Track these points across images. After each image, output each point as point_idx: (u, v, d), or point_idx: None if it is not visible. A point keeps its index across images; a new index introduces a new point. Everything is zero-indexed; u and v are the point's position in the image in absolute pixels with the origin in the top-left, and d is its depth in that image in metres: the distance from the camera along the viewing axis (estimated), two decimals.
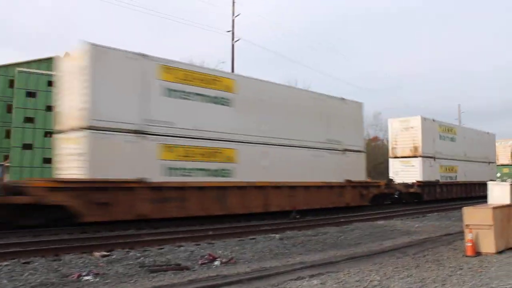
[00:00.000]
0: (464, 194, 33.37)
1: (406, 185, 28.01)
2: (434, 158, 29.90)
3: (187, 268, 9.20)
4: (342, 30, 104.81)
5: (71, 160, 15.00)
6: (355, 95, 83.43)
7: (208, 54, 76.56)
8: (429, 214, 22.22)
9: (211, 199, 17.24)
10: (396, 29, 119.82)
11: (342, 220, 18.47)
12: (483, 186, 31.75)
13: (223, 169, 17.83)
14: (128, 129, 15.21)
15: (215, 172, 17.56)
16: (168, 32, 78.39)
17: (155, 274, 8.58)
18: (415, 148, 28.96)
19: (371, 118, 62.38)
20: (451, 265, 9.32)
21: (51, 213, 13.90)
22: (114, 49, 15.33)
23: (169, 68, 16.50)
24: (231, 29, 32.43)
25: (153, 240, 12.22)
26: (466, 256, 10.37)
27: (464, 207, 11.35)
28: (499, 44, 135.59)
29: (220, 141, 17.79)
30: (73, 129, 15.02)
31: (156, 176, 15.71)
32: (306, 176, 20.70)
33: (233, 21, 32.49)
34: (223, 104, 18.06)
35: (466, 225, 10.88)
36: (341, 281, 7.81)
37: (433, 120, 30.93)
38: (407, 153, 29.33)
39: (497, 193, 13.78)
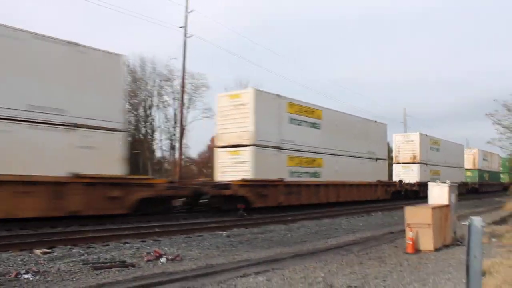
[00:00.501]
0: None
1: (411, 184, 35.52)
2: (426, 164, 38.60)
3: (132, 265, 9.05)
4: (295, 32, 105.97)
5: (236, 167, 21.25)
6: (304, 96, 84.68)
7: (160, 49, 75.54)
8: (374, 213, 22.86)
9: (311, 193, 24.75)
10: (343, 35, 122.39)
11: (289, 218, 18.69)
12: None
13: (316, 172, 25.46)
14: (272, 146, 22.22)
15: (313, 174, 25.18)
16: (120, 25, 76.58)
17: (99, 271, 8.38)
18: (414, 157, 37.66)
19: None
20: (392, 262, 9.64)
21: (236, 202, 19.73)
22: (265, 91, 22.58)
23: (291, 104, 23.89)
24: (184, 25, 32.07)
25: (97, 237, 11.96)
26: (407, 254, 10.76)
27: (406, 207, 11.77)
28: (443, 53, 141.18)
29: (314, 153, 25.41)
30: (239, 145, 21.33)
31: (287, 177, 22.91)
32: (357, 177, 28.89)
33: (186, 17, 32.11)
34: (316, 128, 25.78)
35: (408, 224, 11.29)
36: (286, 278, 7.92)
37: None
38: (408, 160, 38.08)
39: (436, 193, 14.35)
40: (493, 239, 12.87)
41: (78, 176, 14.89)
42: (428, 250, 10.96)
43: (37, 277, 7.90)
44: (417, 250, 10.96)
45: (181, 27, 32.27)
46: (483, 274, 7.48)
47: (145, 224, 15.27)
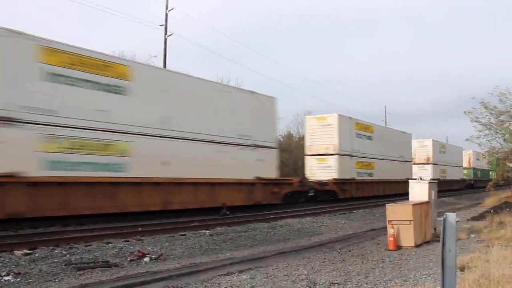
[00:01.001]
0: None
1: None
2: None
3: (115, 265, 9.03)
4: (276, 31, 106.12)
5: (324, 170, 28.39)
6: (288, 96, 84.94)
7: (140, 48, 75.04)
8: (356, 211, 23.06)
9: (369, 187, 28.61)
10: (327, 32, 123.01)
11: (272, 216, 18.76)
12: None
13: (371, 172, 27.22)
14: (347, 154, 29.43)
15: (369, 174, 26.56)
16: (97, 24, 75.78)
17: (81, 272, 8.34)
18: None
19: (302, 117, 63.65)
20: (374, 259, 9.77)
21: (328, 195, 27.82)
22: (343, 115, 29.89)
23: (357, 123, 28.81)
24: (164, 23, 31.89)
25: (80, 237, 11.82)
26: (388, 250, 10.92)
27: (387, 204, 11.94)
28: (418, 50, 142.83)
29: (370, 158, 28.18)
30: (326, 154, 28.67)
31: (356, 176, 29.43)
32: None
33: (166, 15, 31.91)
34: (370, 139, 27.86)
35: (389, 220, 11.45)
36: (270, 276, 7.97)
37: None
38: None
39: (417, 190, 14.58)
40: (472, 235, 13.10)
41: (259, 178, 21.39)
42: (409, 246, 11.12)
43: (18, 279, 7.83)
44: (398, 247, 11.12)
45: (161, 25, 32.10)
46: (462, 269, 7.64)
47: (127, 224, 15.17)
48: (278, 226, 16.06)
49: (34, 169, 13.28)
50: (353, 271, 8.36)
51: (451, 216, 2.42)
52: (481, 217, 17.53)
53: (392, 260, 9.63)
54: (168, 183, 17.23)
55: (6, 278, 7.82)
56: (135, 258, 9.75)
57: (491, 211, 17.18)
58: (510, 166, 26.04)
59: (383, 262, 9.40)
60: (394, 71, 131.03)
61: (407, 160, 40.10)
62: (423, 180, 14.21)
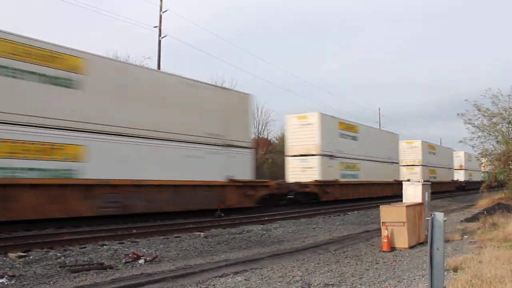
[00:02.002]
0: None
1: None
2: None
3: (110, 267, 9.03)
4: (272, 35, 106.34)
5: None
6: (284, 98, 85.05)
7: (134, 50, 74.93)
8: (350, 212, 23.15)
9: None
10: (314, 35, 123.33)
11: (266, 218, 18.80)
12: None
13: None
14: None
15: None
16: (91, 25, 75.55)
17: (76, 274, 8.33)
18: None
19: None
20: (368, 260, 9.81)
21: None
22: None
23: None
24: (158, 24, 31.89)
25: (74, 239, 11.84)
26: (382, 251, 10.97)
27: (381, 206, 11.99)
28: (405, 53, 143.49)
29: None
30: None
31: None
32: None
33: (160, 16, 31.94)
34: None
35: (383, 222, 11.51)
36: (265, 277, 8.00)
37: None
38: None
39: (410, 192, 14.66)
40: (465, 236, 13.20)
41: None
42: (403, 248, 11.18)
43: (13, 281, 7.81)
44: (392, 248, 11.17)
45: (155, 26, 32.12)
46: (456, 270, 7.72)
47: (122, 226, 15.17)
48: (273, 228, 16.09)
49: None
50: (347, 272, 8.40)
51: (439, 216, 2.49)
52: (474, 218, 17.62)
53: (386, 261, 9.69)
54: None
55: (1, 280, 7.79)
56: (130, 260, 9.75)
57: (484, 213, 17.29)
58: (503, 167, 26.18)
59: (377, 263, 9.45)
60: (386, 74, 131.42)
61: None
62: (413, 182, 14.27)
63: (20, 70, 13.40)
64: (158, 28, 31.95)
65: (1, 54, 13.08)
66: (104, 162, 15.40)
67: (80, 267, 8.91)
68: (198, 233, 14.20)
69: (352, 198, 30.57)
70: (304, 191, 26.24)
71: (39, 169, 13.68)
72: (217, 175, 19.78)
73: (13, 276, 8.09)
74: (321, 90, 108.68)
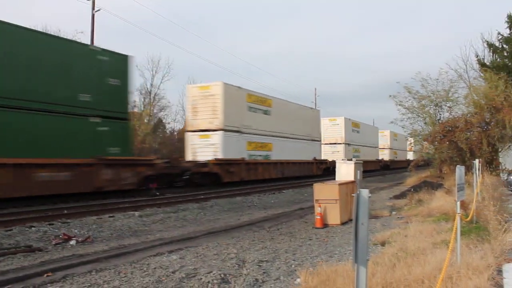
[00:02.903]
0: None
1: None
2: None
3: (39, 250, 8.69)
4: (207, 10, 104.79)
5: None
6: (221, 77, 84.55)
7: (66, 23, 71.27)
8: (285, 190, 23.58)
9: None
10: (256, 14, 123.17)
11: (202, 197, 18.79)
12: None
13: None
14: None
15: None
16: None
17: (1, 258, 7.95)
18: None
19: None
20: (302, 237, 10.06)
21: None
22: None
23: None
24: None
25: None
26: (316, 228, 11.28)
27: (315, 184, 12.30)
28: (350, 33, 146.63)
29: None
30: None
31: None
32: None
33: None
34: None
35: (316, 200, 11.82)
36: (200, 255, 8.02)
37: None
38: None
39: (343, 170, 15.13)
40: (393, 212, 13.81)
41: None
42: (336, 224, 11.56)
43: None
44: (325, 225, 11.52)
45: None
46: (383, 244, 8.07)
47: (52, 206, 14.62)
48: (208, 206, 16.12)
49: None
50: (281, 249, 8.58)
51: (364, 192, 2.60)
52: (402, 195, 18.47)
53: (318, 237, 9.97)
54: (284, 163, 30.28)
55: None
56: (60, 241, 9.45)
57: (411, 190, 18.14)
58: (429, 147, 27.48)
59: (310, 239, 9.71)
60: (324, 54, 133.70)
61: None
62: (346, 161, 14.72)
63: (256, 108, 27.97)
64: (91, 1, 30.64)
65: (252, 101, 27.73)
66: (279, 151, 29.91)
67: (5, 250, 8.50)
68: (133, 212, 13.98)
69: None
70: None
71: (260, 155, 27.80)
72: (308, 156, 34.97)
73: None
74: (261, 71, 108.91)
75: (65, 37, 17.56)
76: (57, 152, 15.60)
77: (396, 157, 62.79)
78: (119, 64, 18.64)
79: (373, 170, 47.35)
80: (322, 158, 39.24)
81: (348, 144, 43.95)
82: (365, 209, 2.60)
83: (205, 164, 23.51)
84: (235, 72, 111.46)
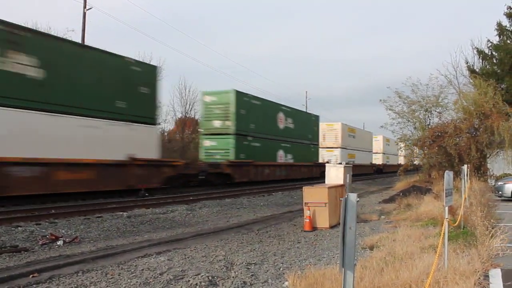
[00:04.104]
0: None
1: (213, 165, 25.37)
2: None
3: (25, 250, 8.60)
4: (203, 12, 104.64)
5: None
6: (215, 79, 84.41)
7: (57, 21, 70.72)
8: (274, 193, 23.56)
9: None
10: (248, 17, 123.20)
11: (191, 198, 18.73)
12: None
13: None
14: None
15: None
16: None
17: None
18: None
19: None
20: (290, 240, 10.06)
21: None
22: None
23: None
24: None
25: None
26: (304, 231, 11.28)
27: (304, 187, 12.30)
28: (342, 38, 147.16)
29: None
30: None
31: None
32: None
33: None
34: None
35: (305, 203, 11.82)
36: (188, 257, 7.98)
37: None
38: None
39: (333, 174, 15.14)
40: (382, 216, 13.86)
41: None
42: (324, 228, 11.56)
43: None
44: (314, 228, 11.52)
45: None
46: (372, 248, 8.09)
47: (39, 206, 14.48)
48: (197, 208, 16.06)
49: None
50: (270, 252, 8.57)
51: (353, 196, 2.60)
52: (391, 200, 18.54)
53: (307, 240, 9.97)
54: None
55: None
56: (47, 241, 9.36)
57: (400, 194, 18.23)
58: (419, 152, 27.66)
59: (299, 242, 9.71)
60: (315, 58, 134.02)
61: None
62: (335, 164, 14.74)
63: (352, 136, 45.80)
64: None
65: (350, 132, 46.71)
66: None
67: None
68: (121, 213, 13.90)
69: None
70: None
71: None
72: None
73: None
74: (253, 73, 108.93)
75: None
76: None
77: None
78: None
79: (367, 174, 49.82)
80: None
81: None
82: (353, 213, 2.60)
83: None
84: (226, 73, 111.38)
